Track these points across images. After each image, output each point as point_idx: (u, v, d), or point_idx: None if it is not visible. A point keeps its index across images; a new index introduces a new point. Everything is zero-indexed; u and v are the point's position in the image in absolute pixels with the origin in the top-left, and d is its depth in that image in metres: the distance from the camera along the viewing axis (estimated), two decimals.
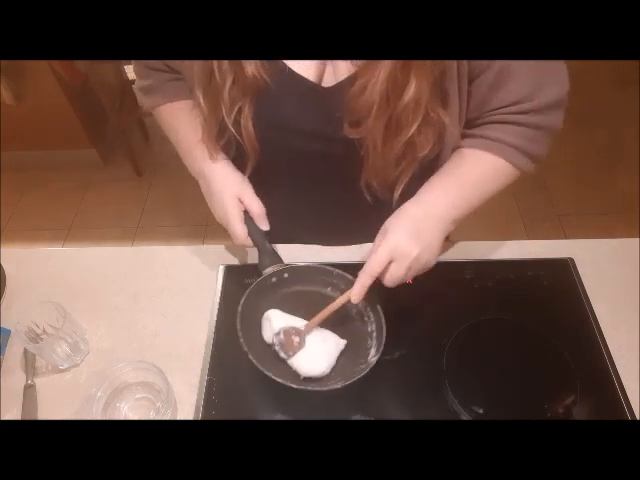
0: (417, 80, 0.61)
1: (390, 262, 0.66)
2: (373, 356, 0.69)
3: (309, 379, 0.69)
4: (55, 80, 2.13)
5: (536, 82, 0.68)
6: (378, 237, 0.70)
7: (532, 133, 0.71)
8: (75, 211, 2.33)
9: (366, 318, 0.74)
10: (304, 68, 0.68)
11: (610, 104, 2.54)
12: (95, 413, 0.67)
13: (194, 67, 0.70)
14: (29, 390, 0.74)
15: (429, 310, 0.80)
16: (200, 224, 2.14)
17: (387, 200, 0.75)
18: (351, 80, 0.66)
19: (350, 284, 0.71)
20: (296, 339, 0.70)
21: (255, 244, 0.77)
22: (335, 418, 0.69)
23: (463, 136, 0.76)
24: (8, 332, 0.79)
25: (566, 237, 2.05)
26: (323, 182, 0.81)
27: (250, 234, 0.76)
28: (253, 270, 0.84)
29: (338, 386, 0.65)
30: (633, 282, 0.82)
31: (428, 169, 0.75)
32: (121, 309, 0.84)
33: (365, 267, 0.67)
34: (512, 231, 2.09)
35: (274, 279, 0.77)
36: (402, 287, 0.82)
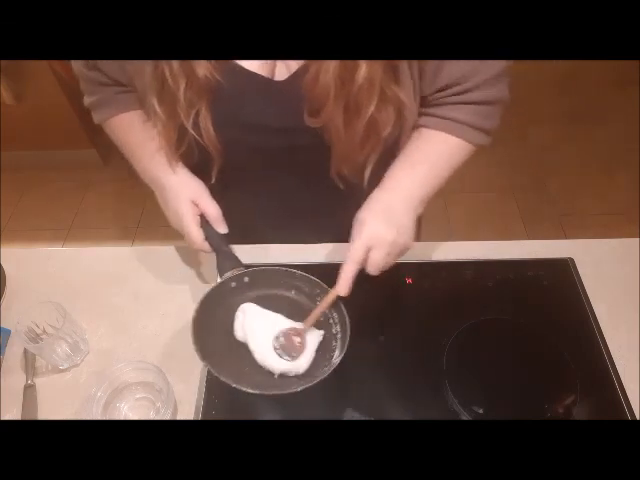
0: (367, 62, 0.62)
1: (369, 250, 0.68)
2: (337, 357, 0.67)
3: (285, 376, 0.67)
4: (55, 80, 2.12)
5: (472, 62, 0.70)
6: (354, 229, 0.70)
7: (481, 109, 0.74)
8: (75, 211, 2.33)
9: (331, 320, 0.72)
10: (255, 64, 0.69)
11: (610, 104, 2.54)
12: (95, 413, 0.67)
13: (145, 76, 0.69)
14: (29, 390, 0.74)
15: (429, 310, 0.80)
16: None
17: (359, 186, 0.76)
18: (303, 70, 0.66)
19: (313, 286, 0.71)
20: (297, 339, 0.69)
21: (213, 248, 0.76)
22: (335, 418, 0.69)
23: (420, 114, 0.77)
24: (8, 332, 0.79)
25: (566, 237, 2.05)
26: (292, 177, 0.82)
27: (207, 238, 0.75)
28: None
29: (298, 389, 0.62)
30: (633, 282, 0.82)
31: (392, 149, 0.77)
32: (121, 309, 0.83)
33: (346, 258, 0.68)
34: (512, 231, 2.09)
35: (233, 284, 0.74)
36: (402, 287, 0.83)
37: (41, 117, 2.26)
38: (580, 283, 0.82)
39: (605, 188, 2.20)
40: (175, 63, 0.65)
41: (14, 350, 0.78)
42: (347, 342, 0.67)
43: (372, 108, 0.67)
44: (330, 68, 0.62)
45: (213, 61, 0.65)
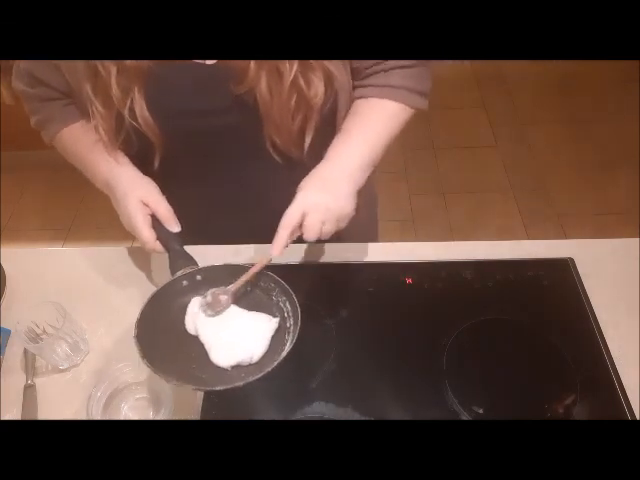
0: None
1: (304, 216, 0.69)
2: (286, 350, 0.65)
3: (239, 367, 0.66)
4: None
5: None
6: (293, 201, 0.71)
7: (412, 71, 0.77)
8: (75, 211, 2.33)
9: (286, 314, 0.70)
10: None
11: (610, 104, 2.54)
12: (95, 413, 0.67)
13: (79, 69, 0.71)
14: (29, 390, 0.74)
15: (429, 310, 0.80)
16: None
17: (300, 162, 0.77)
18: None
19: (268, 279, 0.72)
20: (224, 297, 0.69)
21: (165, 248, 0.75)
22: (335, 418, 0.69)
23: (355, 87, 0.80)
24: (8, 332, 0.79)
25: (566, 237, 2.05)
26: (234, 160, 0.82)
27: (159, 238, 0.74)
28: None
29: (240, 384, 0.61)
30: (633, 282, 0.82)
31: (329, 122, 0.79)
32: (121, 309, 0.83)
33: (281, 222, 0.69)
34: (512, 231, 2.09)
35: (185, 282, 0.72)
36: (402, 287, 0.83)
37: None
38: (580, 283, 0.82)
39: (605, 188, 2.20)
40: None
41: (14, 350, 0.78)
42: (297, 335, 0.65)
43: (294, 70, 0.68)
44: None
45: None
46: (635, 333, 0.76)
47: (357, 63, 0.76)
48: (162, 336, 0.68)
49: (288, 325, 0.70)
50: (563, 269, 0.84)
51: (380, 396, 0.71)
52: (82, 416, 0.68)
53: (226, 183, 0.87)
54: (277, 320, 0.70)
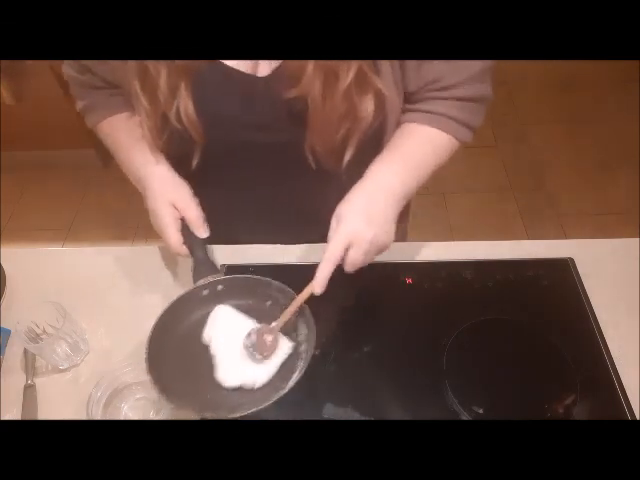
0: None
1: (347, 249, 0.66)
2: (293, 380, 0.63)
3: (241, 390, 0.64)
4: (55, 80, 2.12)
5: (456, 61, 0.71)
6: (333, 222, 0.68)
7: (465, 104, 0.74)
8: (75, 211, 2.33)
9: (301, 337, 0.68)
10: (235, 60, 0.69)
11: (610, 104, 2.54)
12: (95, 413, 0.67)
13: (129, 65, 0.70)
14: (29, 390, 0.74)
15: (429, 310, 0.80)
16: None
17: (338, 180, 0.74)
18: (285, 67, 0.67)
19: (289, 298, 0.68)
20: (269, 338, 0.66)
21: (190, 253, 0.74)
22: (335, 418, 0.69)
23: (405, 111, 0.77)
24: (8, 332, 0.79)
25: (566, 237, 2.05)
26: (272, 174, 0.81)
27: (186, 242, 0.73)
28: (254, 270, 0.84)
29: (236, 415, 0.59)
30: (633, 282, 0.82)
31: (374, 142, 0.77)
32: (121, 309, 0.83)
33: (325, 255, 0.66)
34: (512, 231, 2.09)
35: (205, 292, 0.72)
36: (402, 287, 0.83)
37: (41, 117, 2.26)
38: (580, 283, 0.82)
39: (605, 188, 2.20)
40: None
41: (14, 350, 0.78)
42: (308, 362, 0.63)
43: (350, 77, 0.65)
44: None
45: None
46: (635, 333, 0.76)
47: (412, 87, 0.74)
48: (175, 345, 0.68)
49: (300, 350, 0.67)
50: (563, 269, 0.84)
51: (380, 396, 0.71)
52: (82, 416, 0.68)
53: (259, 195, 0.87)
54: (291, 346, 0.67)
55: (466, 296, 0.82)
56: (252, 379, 0.64)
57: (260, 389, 0.65)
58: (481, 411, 0.67)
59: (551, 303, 0.80)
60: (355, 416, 0.69)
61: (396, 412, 0.70)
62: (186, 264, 0.88)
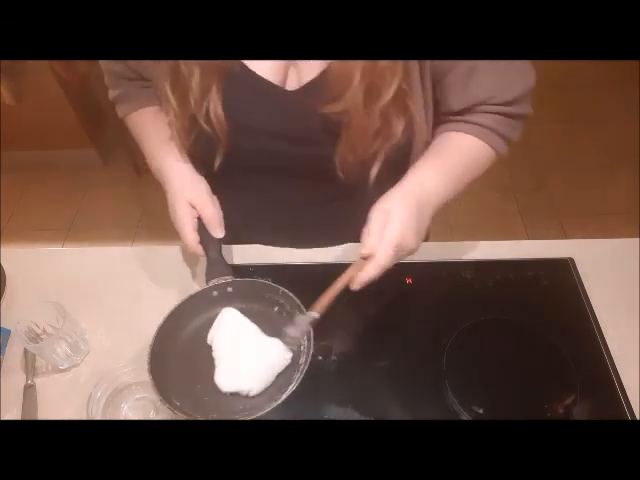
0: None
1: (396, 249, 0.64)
2: (287, 393, 0.62)
3: (237, 395, 0.65)
4: (55, 80, 2.12)
5: (505, 79, 0.71)
6: (377, 218, 0.65)
7: (508, 121, 0.75)
8: (75, 211, 2.33)
9: (302, 347, 0.67)
10: (267, 71, 0.69)
11: (610, 104, 2.54)
12: (95, 413, 0.67)
13: (160, 64, 0.70)
14: (29, 390, 0.74)
15: (429, 310, 0.80)
16: None
17: (361, 187, 0.74)
18: (316, 83, 0.67)
19: (294, 307, 0.68)
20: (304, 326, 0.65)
21: (205, 252, 0.74)
22: (335, 418, 0.69)
23: (449, 121, 0.77)
24: (8, 332, 0.79)
25: (566, 237, 2.05)
26: (295, 184, 0.81)
27: (202, 241, 0.74)
28: (254, 270, 0.84)
29: (237, 419, 0.60)
30: (633, 282, 0.82)
31: (400, 162, 0.77)
32: (121, 309, 0.83)
33: (377, 259, 0.63)
34: (512, 231, 2.09)
35: (215, 293, 0.72)
36: (402, 287, 0.83)
37: (41, 117, 2.26)
38: (580, 283, 0.82)
39: (605, 188, 2.20)
40: None
41: (14, 350, 0.78)
42: (302, 376, 0.63)
43: (391, 93, 0.65)
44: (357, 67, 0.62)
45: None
46: (635, 333, 0.76)
47: (457, 106, 0.74)
48: (180, 344, 0.68)
49: (300, 362, 0.66)
50: (563, 269, 0.84)
51: (380, 396, 0.71)
52: (82, 416, 0.68)
53: (280, 203, 0.87)
54: (291, 356, 0.67)
55: (466, 296, 0.82)
56: (248, 386, 0.64)
57: (256, 397, 0.65)
58: (481, 411, 0.67)
59: (551, 303, 0.80)
60: (355, 416, 0.69)
61: (396, 412, 0.70)
62: (186, 265, 0.89)
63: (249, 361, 0.66)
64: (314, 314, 0.64)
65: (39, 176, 2.45)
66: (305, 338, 0.67)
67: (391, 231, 0.63)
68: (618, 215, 2.09)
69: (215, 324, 0.70)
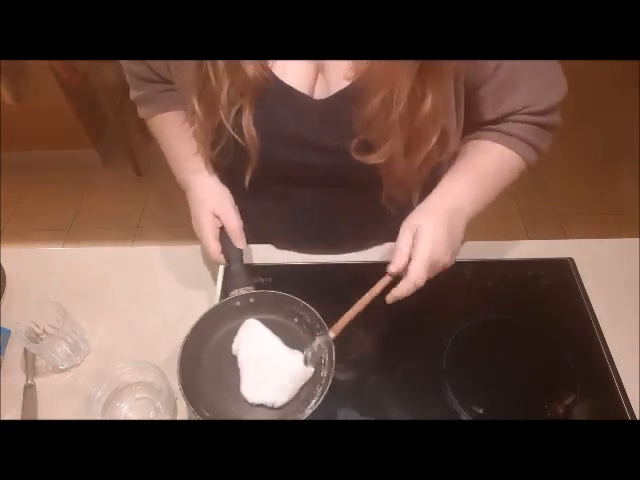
0: (433, 92, 0.62)
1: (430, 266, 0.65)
2: (311, 407, 0.64)
3: (263, 407, 0.66)
4: (55, 80, 2.12)
5: (537, 90, 0.71)
6: (407, 233, 0.66)
7: (540, 131, 0.75)
8: (75, 211, 2.33)
9: (323, 361, 0.69)
10: (296, 80, 0.68)
11: (610, 104, 2.54)
12: (95, 413, 0.67)
13: (186, 74, 0.69)
14: (29, 390, 0.74)
15: (429, 310, 0.80)
16: None
17: (403, 206, 0.74)
18: (345, 94, 0.66)
19: (314, 319, 0.70)
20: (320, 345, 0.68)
21: (227, 262, 0.75)
22: (334, 418, 0.69)
23: (480, 129, 0.77)
24: (8, 332, 0.79)
25: (566, 237, 2.05)
26: (322, 192, 0.80)
27: (224, 251, 0.74)
28: (254, 270, 0.84)
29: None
30: (633, 282, 0.82)
31: (433, 170, 0.76)
32: (121, 309, 0.84)
33: (409, 277, 0.64)
34: (512, 231, 2.09)
35: (238, 303, 0.73)
36: None
37: (41, 117, 2.26)
38: (580, 283, 0.82)
39: (605, 188, 2.20)
40: (221, 63, 0.64)
41: (14, 350, 0.78)
42: (325, 393, 0.64)
43: (434, 140, 0.65)
44: (401, 98, 0.61)
45: (263, 63, 0.65)
46: (635, 333, 0.76)
47: (491, 116, 0.73)
48: (205, 355, 0.70)
49: (322, 375, 0.68)
50: (563, 269, 0.84)
51: (380, 396, 0.71)
52: (82, 416, 0.68)
53: (308, 212, 0.85)
54: (312, 371, 0.68)
55: (466, 296, 0.82)
56: (273, 399, 0.66)
57: (281, 409, 0.66)
58: (481, 411, 0.67)
59: (551, 303, 0.80)
60: (355, 416, 0.69)
61: (396, 412, 0.70)
62: (186, 265, 0.89)
63: (273, 373, 0.67)
64: (331, 336, 0.67)
65: (39, 176, 2.45)
66: (327, 353, 0.68)
67: (422, 247, 0.64)
68: (618, 215, 2.09)
69: (239, 335, 0.71)
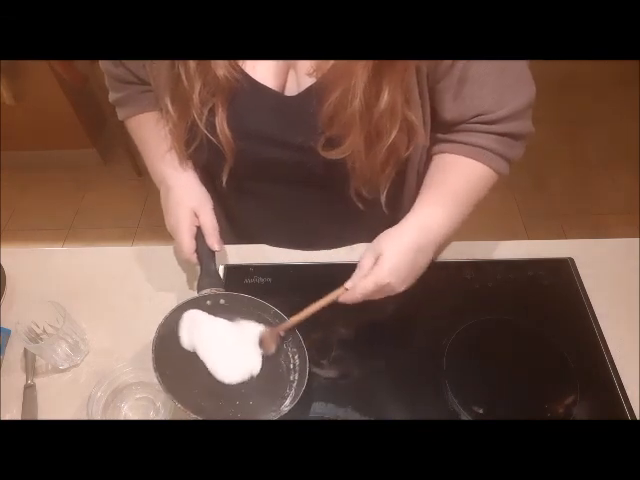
0: (390, 87, 0.62)
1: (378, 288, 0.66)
2: (286, 405, 0.65)
3: (236, 396, 0.66)
4: (55, 80, 2.12)
5: (501, 92, 0.69)
6: (369, 254, 0.67)
7: (507, 140, 0.72)
8: (75, 211, 2.33)
9: (291, 365, 0.70)
10: (266, 77, 0.68)
11: (610, 104, 2.54)
12: (95, 413, 0.67)
13: (160, 74, 0.70)
14: (29, 390, 0.74)
15: (429, 310, 0.80)
16: None
17: (373, 202, 0.74)
18: (315, 90, 0.66)
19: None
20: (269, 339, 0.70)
21: (199, 262, 0.75)
22: (335, 418, 0.69)
23: (443, 141, 0.75)
24: (8, 332, 0.79)
25: (566, 237, 2.05)
26: (299, 188, 0.80)
27: (198, 251, 0.74)
28: (254, 270, 0.84)
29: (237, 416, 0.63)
30: (633, 282, 0.82)
31: (402, 168, 0.76)
32: (121, 309, 0.83)
33: (353, 290, 0.66)
34: (512, 231, 2.09)
35: (209, 302, 0.72)
36: None
37: (41, 117, 2.26)
38: (580, 283, 0.82)
39: (605, 188, 2.20)
40: (192, 64, 0.64)
41: (14, 350, 0.78)
42: (300, 394, 0.65)
43: (394, 134, 0.65)
44: (356, 93, 0.61)
45: (233, 63, 0.65)
46: (635, 333, 0.76)
47: (449, 116, 0.72)
48: (176, 352, 0.68)
49: (292, 379, 0.68)
50: (563, 269, 0.84)
51: (380, 396, 0.71)
52: (82, 416, 0.68)
53: (282, 209, 0.86)
54: (262, 329, 0.70)
55: (466, 296, 0.82)
56: (249, 369, 0.67)
57: (253, 406, 0.66)
58: (481, 411, 0.68)
59: (551, 303, 0.80)
60: (355, 416, 0.69)
61: (396, 412, 0.70)
62: (186, 266, 0.89)
63: (235, 347, 0.68)
64: (280, 332, 0.70)
65: (39, 176, 2.45)
66: (297, 357, 0.69)
67: (378, 272, 0.65)
68: (618, 215, 2.09)
69: (184, 329, 0.69)
